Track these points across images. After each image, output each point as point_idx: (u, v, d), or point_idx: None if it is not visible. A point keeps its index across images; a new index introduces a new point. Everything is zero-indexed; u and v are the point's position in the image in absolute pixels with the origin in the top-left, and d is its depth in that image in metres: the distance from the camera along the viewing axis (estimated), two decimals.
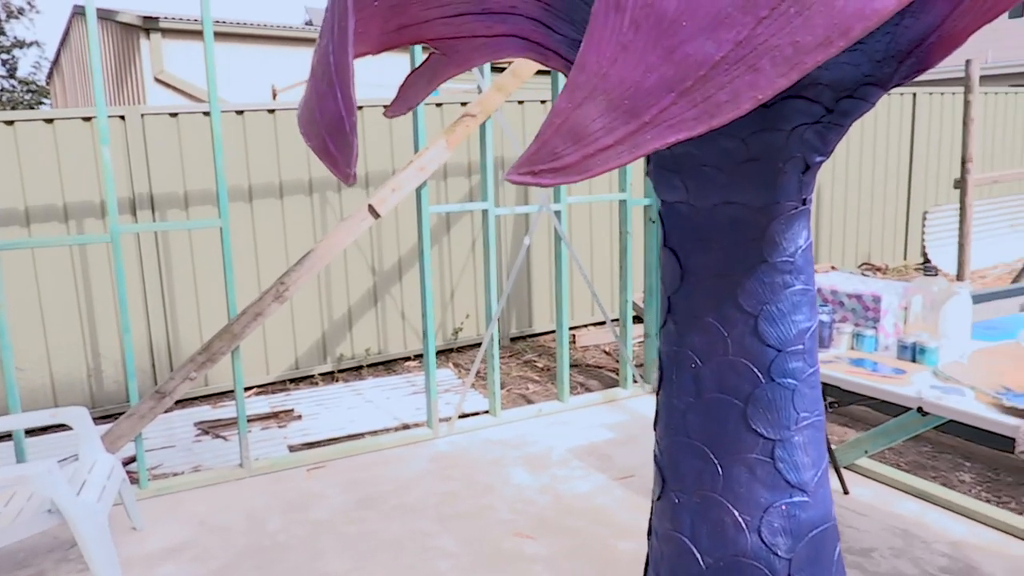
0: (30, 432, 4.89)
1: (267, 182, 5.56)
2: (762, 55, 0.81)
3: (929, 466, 4.00)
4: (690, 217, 1.45)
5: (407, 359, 6.35)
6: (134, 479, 4.02)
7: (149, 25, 10.25)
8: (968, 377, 2.67)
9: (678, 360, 1.50)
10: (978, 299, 4.08)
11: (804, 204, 1.40)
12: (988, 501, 3.59)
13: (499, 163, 6.30)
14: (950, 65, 11.35)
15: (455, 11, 1.43)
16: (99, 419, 5.02)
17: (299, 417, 5.10)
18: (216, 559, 3.29)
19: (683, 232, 1.47)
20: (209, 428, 4.93)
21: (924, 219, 9.48)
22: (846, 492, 3.60)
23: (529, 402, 5.24)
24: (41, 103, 29.04)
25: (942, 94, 9.27)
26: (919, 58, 1.21)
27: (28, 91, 29.45)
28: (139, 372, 5.29)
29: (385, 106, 5.80)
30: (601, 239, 6.98)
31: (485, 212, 4.53)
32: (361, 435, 4.76)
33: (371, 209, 4.11)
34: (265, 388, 5.76)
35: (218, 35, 10.13)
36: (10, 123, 4.80)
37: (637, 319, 6.47)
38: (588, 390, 5.43)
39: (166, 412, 4.50)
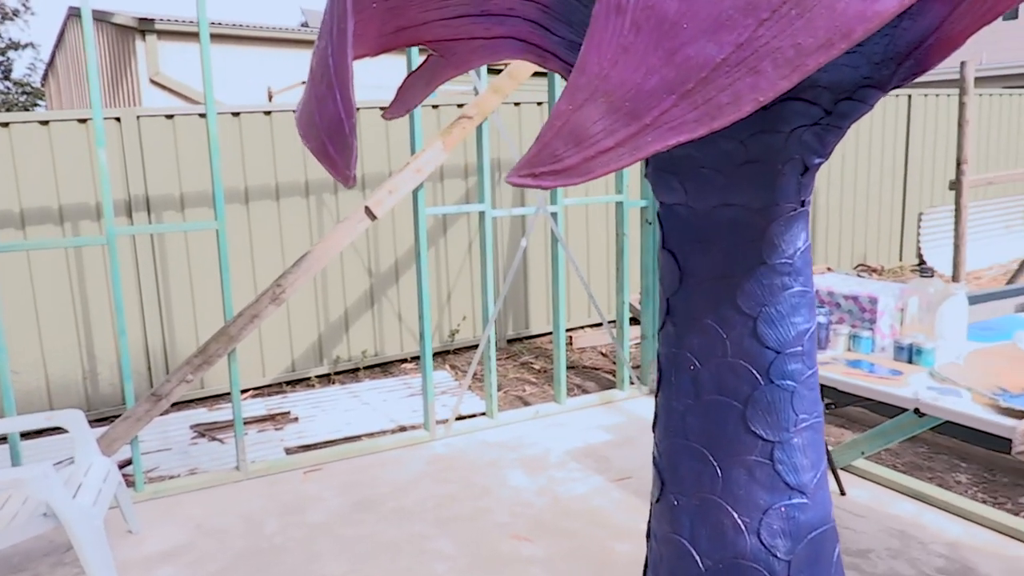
0: (25, 435, 4.87)
1: (263, 184, 5.55)
2: (763, 57, 0.81)
3: (925, 467, 4.00)
4: (689, 219, 1.45)
5: (404, 361, 6.35)
6: (130, 482, 4.01)
7: (145, 27, 10.23)
8: (964, 378, 2.68)
9: (677, 362, 1.50)
10: (974, 300, 4.08)
11: (803, 206, 1.40)
12: (984, 502, 3.60)
13: (495, 165, 6.31)
14: (945, 67, 11.39)
15: (453, 13, 1.43)
16: (95, 422, 5.00)
17: (296, 419, 5.09)
18: (213, 562, 3.28)
19: (682, 234, 1.47)
20: (205, 431, 4.92)
21: (919, 220, 9.50)
22: (843, 493, 3.61)
23: (526, 404, 5.23)
24: (36, 105, 28.96)
25: (937, 96, 9.30)
26: (917, 60, 1.22)
27: (23, 93, 29.38)
28: (135, 375, 5.27)
29: (382, 108, 5.82)
30: (598, 241, 6.98)
31: (482, 214, 4.53)
32: (358, 437, 4.76)
33: (368, 211, 4.11)
34: (261, 390, 5.75)
35: (214, 37, 10.10)
36: (5, 125, 4.79)
37: (634, 321, 6.48)
38: (585, 392, 5.43)
39: (162, 415, 4.50)
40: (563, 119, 0.89)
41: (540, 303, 6.82)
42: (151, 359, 5.37)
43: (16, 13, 28.55)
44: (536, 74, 4.71)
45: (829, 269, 8.55)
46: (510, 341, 6.77)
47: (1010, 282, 6.78)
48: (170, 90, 10.26)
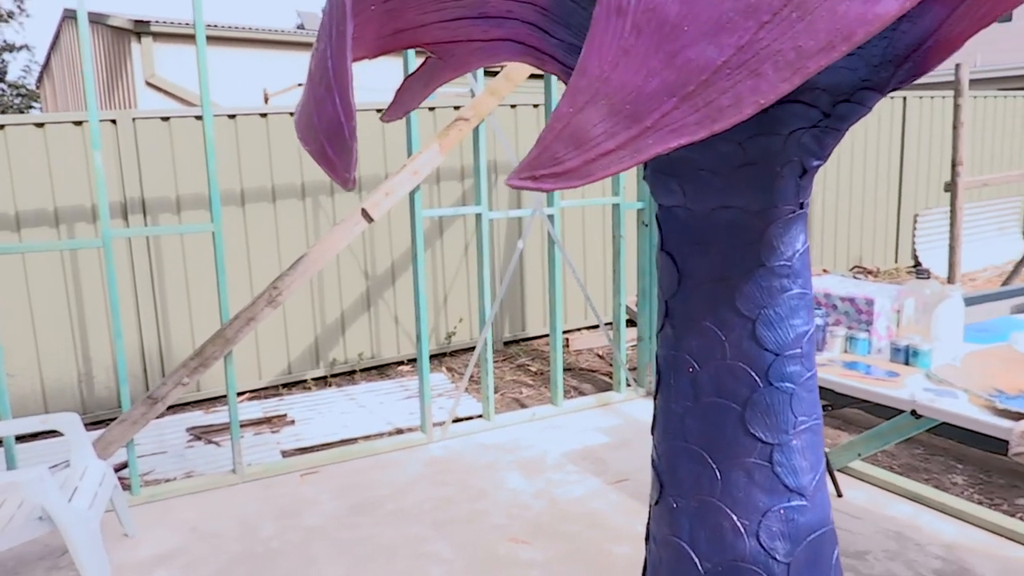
0: (20, 438, 4.85)
1: (259, 186, 5.55)
2: (764, 60, 0.81)
3: (922, 468, 4.01)
4: (687, 221, 1.45)
5: (400, 363, 6.34)
6: (126, 485, 4.00)
7: (140, 29, 10.21)
8: (961, 380, 2.68)
9: (676, 364, 1.49)
10: (969, 301, 4.09)
11: (801, 208, 1.41)
12: (980, 503, 3.60)
13: (492, 167, 6.31)
14: (940, 69, 11.42)
15: (452, 15, 1.42)
16: (90, 425, 4.98)
17: (292, 422, 5.08)
18: (208, 566, 3.27)
19: (680, 236, 1.47)
20: (201, 434, 4.91)
21: (915, 222, 9.53)
22: (839, 495, 3.61)
23: (523, 406, 5.23)
24: (31, 107, 28.90)
25: (932, 98, 9.33)
26: (916, 63, 1.22)
27: (18, 95, 29.32)
28: (131, 377, 5.26)
29: (378, 110, 5.82)
30: (594, 243, 6.99)
31: (478, 216, 4.53)
32: (354, 440, 4.75)
33: (364, 213, 4.10)
34: (258, 393, 5.74)
35: (210, 39, 10.07)
36: (0, 127, 4.77)
37: (631, 322, 6.47)
38: (582, 394, 5.43)
39: (158, 418, 4.48)
40: (564, 121, 0.89)
41: (537, 305, 6.82)
42: (147, 362, 5.36)
43: (11, 15, 28.48)
44: (532, 76, 4.71)
45: (825, 271, 8.57)
46: (507, 343, 6.77)
47: (1005, 284, 6.79)
48: (165, 92, 10.24)
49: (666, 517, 1.53)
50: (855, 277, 8.07)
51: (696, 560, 1.47)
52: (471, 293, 6.49)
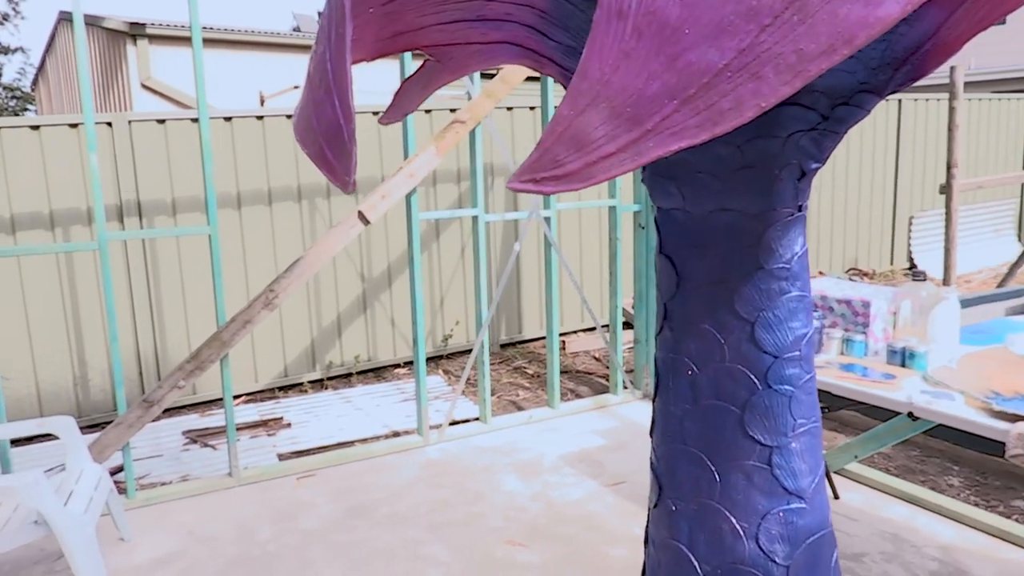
0: (15, 442, 4.83)
1: (256, 189, 5.54)
2: (765, 63, 0.81)
3: (918, 470, 4.02)
4: (686, 224, 1.45)
5: (397, 366, 6.33)
6: (122, 489, 3.98)
7: (136, 31, 10.20)
8: (957, 381, 2.69)
9: (675, 367, 1.49)
10: (964, 304, 4.10)
11: (800, 211, 1.41)
12: (977, 505, 3.61)
13: (488, 170, 6.31)
14: (935, 72, 11.46)
15: (450, 18, 1.42)
16: (86, 428, 4.97)
17: (288, 425, 5.07)
18: (205, 570, 3.26)
19: (679, 239, 1.47)
20: (197, 437, 4.89)
21: (910, 224, 9.56)
22: (836, 497, 3.62)
23: (519, 409, 5.23)
24: (26, 110, 28.83)
25: (927, 100, 9.36)
26: (914, 65, 1.22)
27: (13, 97, 29.25)
28: (126, 381, 5.24)
29: (375, 112, 5.81)
30: (591, 245, 6.99)
31: (475, 218, 4.53)
32: (351, 443, 4.74)
33: (361, 216, 4.10)
34: (254, 396, 5.73)
35: (206, 41, 10.09)
36: None
37: (627, 325, 6.48)
38: (578, 396, 5.43)
39: (154, 421, 4.46)
40: (564, 124, 0.89)
41: (533, 307, 6.82)
42: (143, 365, 5.34)
43: (6, 17, 28.42)
44: (529, 79, 4.71)
45: (821, 273, 8.58)
46: (503, 346, 6.76)
47: (1000, 285, 6.81)
48: (161, 94, 10.23)
49: (665, 520, 1.53)
50: (851, 279, 8.08)
51: (695, 563, 1.47)
52: (468, 296, 6.48)
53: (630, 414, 4.93)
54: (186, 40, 10.43)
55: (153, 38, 10.37)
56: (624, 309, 6.40)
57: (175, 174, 5.26)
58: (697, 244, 1.44)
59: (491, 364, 6.23)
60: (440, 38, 1.48)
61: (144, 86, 10.29)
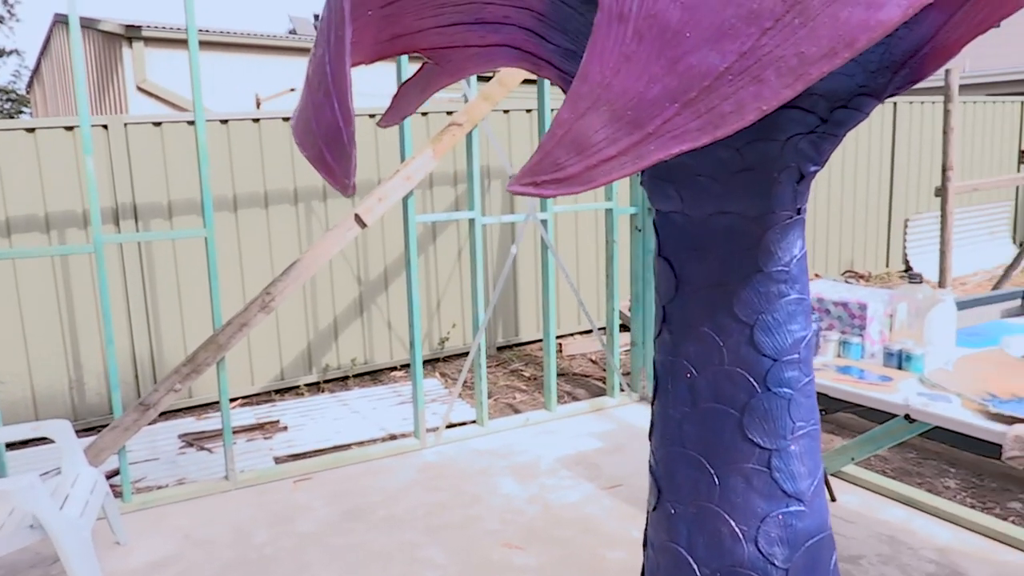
0: (11, 446, 4.81)
1: (252, 191, 5.53)
2: (767, 66, 0.81)
3: (914, 472, 4.02)
4: (684, 227, 1.45)
5: (393, 369, 6.33)
6: (117, 493, 3.97)
7: (132, 34, 10.18)
8: (954, 384, 2.69)
9: (673, 370, 1.49)
10: (960, 306, 4.12)
11: (799, 214, 1.41)
12: (973, 507, 3.62)
13: (485, 172, 6.31)
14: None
15: (449, 21, 1.42)
16: (81, 432, 4.95)
17: (285, 428, 5.06)
18: (201, 573, 3.25)
19: (678, 242, 1.47)
20: (193, 440, 4.88)
21: (906, 227, 9.58)
22: (833, 499, 3.62)
23: (516, 411, 5.22)
24: (21, 112, 28.77)
25: (922, 103, 9.39)
26: (913, 69, 1.22)
27: (8, 100, 29.20)
28: (122, 384, 5.23)
29: (372, 115, 5.81)
30: (587, 248, 6.99)
31: (472, 221, 4.53)
32: (347, 446, 4.73)
33: (358, 218, 4.09)
34: (250, 399, 5.71)
35: (202, 44, 10.06)
36: None
37: (624, 327, 6.48)
38: (575, 399, 5.43)
39: (150, 424, 4.46)
40: (565, 127, 0.89)
41: (530, 310, 6.82)
42: (138, 368, 5.33)
43: (1, 20, 28.37)
44: (526, 81, 4.71)
45: (817, 276, 8.60)
46: (500, 348, 6.76)
47: (995, 288, 6.83)
48: (157, 97, 10.21)
49: (664, 523, 1.53)
50: (847, 282, 8.10)
51: (694, 566, 1.47)
52: (464, 298, 6.48)
53: (627, 417, 4.93)
54: (182, 43, 10.41)
55: (149, 40, 10.35)
56: (621, 312, 6.40)
57: (171, 177, 5.25)
58: (696, 247, 1.44)
59: (488, 367, 6.23)
60: (438, 41, 1.48)
61: (140, 89, 10.27)
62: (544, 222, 4.76)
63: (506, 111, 6.39)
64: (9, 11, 28.65)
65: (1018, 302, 4.71)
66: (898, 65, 1.23)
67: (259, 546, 3.46)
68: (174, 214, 5.30)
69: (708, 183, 1.38)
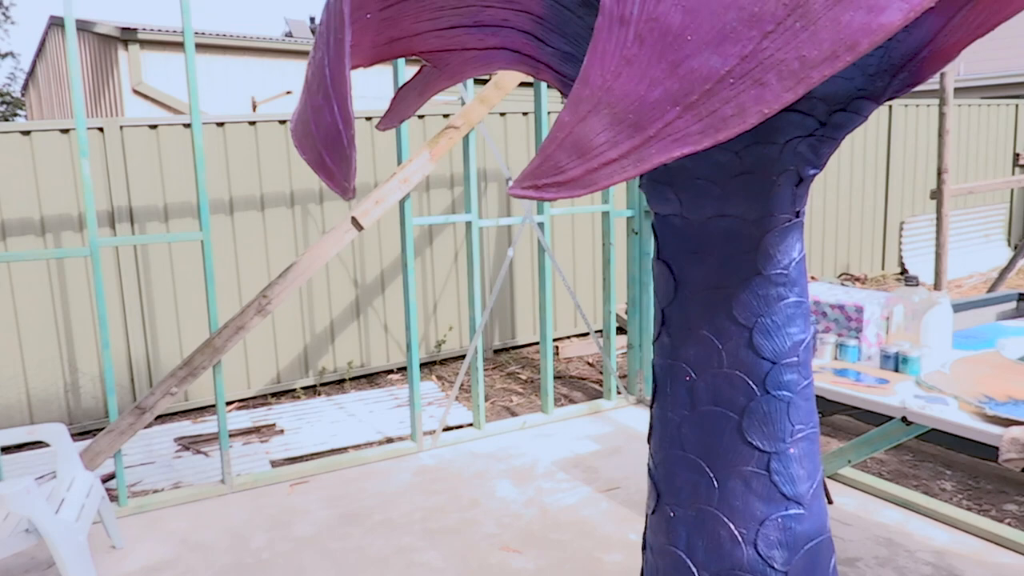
0: (6, 449, 4.80)
1: (248, 194, 5.52)
2: (768, 69, 0.81)
3: (911, 475, 4.03)
4: (683, 230, 1.45)
5: (390, 372, 6.32)
6: (113, 496, 3.95)
7: (127, 36, 10.16)
8: (951, 386, 2.70)
9: (672, 372, 1.49)
10: (956, 308, 4.13)
11: (797, 216, 1.41)
12: (969, 509, 3.62)
13: (482, 175, 6.31)
14: None
15: (447, 24, 1.42)
16: (77, 436, 4.94)
17: (281, 432, 5.05)
18: None
19: (676, 245, 1.47)
20: (190, 444, 4.87)
21: (901, 229, 9.60)
22: (830, 501, 3.62)
23: (513, 414, 5.22)
24: (16, 115, 28.70)
25: (917, 106, 9.42)
26: (911, 72, 1.23)
27: (2, 103, 29.11)
28: (118, 387, 5.21)
29: (368, 118, 5.81)
30: (584, 250, 7.00)
31: (468, 224, 4.53)
32: (344, 449, 4.72)
33: (354, 221, 4.09)
34: (246, 402, 5.70)
35: (198, 46, 10.05)
36: None
37: (620, 330, 6.49)
38: (572, 402, 5.42)
39: (146, 428, 4.44)
40: (566, 130, 0.89)
41: (527, 313, 6.82)
42: (134, 372, 5.31)
43: None
44: (522, 84, 4.72)
45: (813, 278, 8.61)
46: (496, 351, 6.76)
47: (990, 290, 6.85)
48: (152, 100, 10.20)
49: (663, 526, 1.53)
50: (843, 284, 8.12)
51: (694, 569, 1.47)
52: (461, 301, 6.48)
53: (624, 419, 4.93)
54: (177, 45, 10.40)
55: (144, 43, 10.33)
56: (617, 314, 6.41)
57: (167, 180, 5.24)
58: (695, 250, 1.44)
59: (484, 370, 6.22)
60: (437, 44, 1.48)
61: (135, 91, 10.25)
62: (541, 225, 4.76)
63: (503, 114, 6.39)
64: (4, 13, 28.59)
65: (1013, 305, 4.73)
66: (897, 68, 1.23)
67: (256, 550, 3.45)
68: (170, 217, 5.29)
69: (707, 186, 1.38)
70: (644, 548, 1.66)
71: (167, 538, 3.58)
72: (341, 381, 6.07)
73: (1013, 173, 10.56)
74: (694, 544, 1.47)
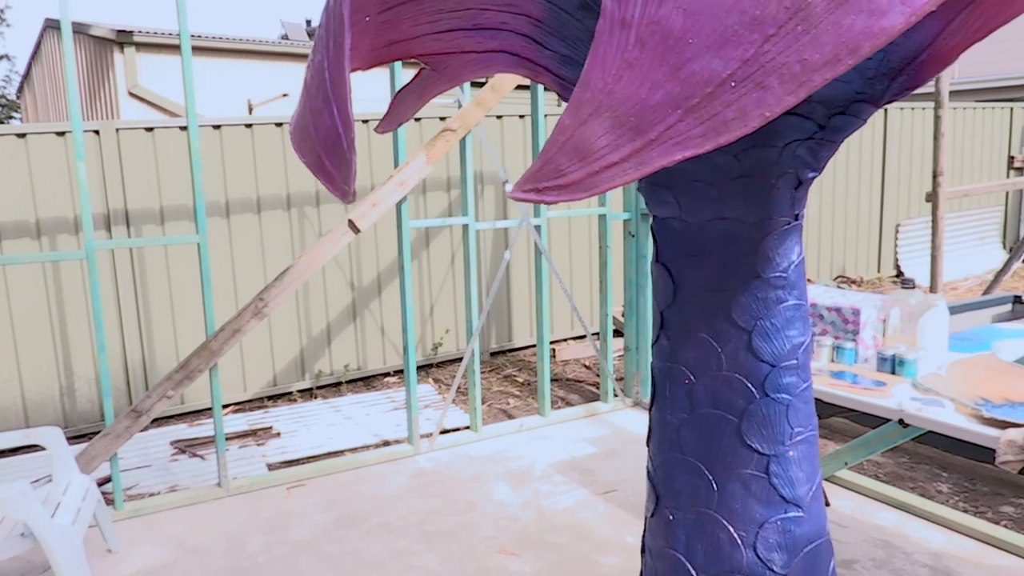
0: (1, 453, 4.78)
1: (244, 197, 5.51)
2: (770, 73, 0.81)
3: (907, 477, 4.03)
4: (682, 232, 1.45)
5: (387, 375, 6.31)
6: (109, 500, 3.94)
7: (123, 39, 10.15)
8: (947, 389, 2.70)
9: (671, 375, 1.49)
10: (952, 311, 4.14)
11: (796, 219, 1.41)
12: (966, 511, 3.63)
13: (478, 178, 6.31)
14: None
15: (446, 27, 1.42)
16: (73, 439, 4.92)
17: (278, 435, 5.04)
18: None
19: (675, 247, 1.47)
20: (186, 447, 4.85)
21: (897, 232, 9.63)
22: (827, 504, 3.62)
23: (510, 417, 5.22)
24: (11, 117, 28.63)
25: (912, 109, 9.45)
26: (910, 76, 1.23)
27: None
28: (114, 391, 5.20)
29: (364, 121, 5.80)
30: (581, 253, 7.00)
31: (465, 227, 4.53)
32: (341, 452, 4.71)
33: (351, 224, 4.09)
34: (243, 405, 5.69)
35: (194, 49, 10.02)
36: None
37: (617, 333, 6.49)
38: (569, 404, 5.42)
39: (142, 431, 4.42)
40: (567, 134, 0.89)
41: (523, 316, 6.82)
42: (130, 375, 5.30)
43: None
44: (519, 87, 4.73)
45: (810, 281, 8.63)
46: (493, 354, 6.75)
47: (986, 293, 6.87)
48: (148, 102, 10.18)
49: (662, 529, 1.53)
50: (839, 287, 8.13)
51: (693, 572, 1.46)
52: (458, 304, 6.47)
53: (620, 422, 4.93)
54: (173, 48, 10.39)
55: (140, 46, 10.32)
56: (614, 317, 6.41)
57: (163, 182, 5.24)
58: (694, 253, 1.44)
59: (481, 372, 6.22)
60: (435, 47, 1.48)
61: (131, 94, 10.23)
62: (538, 227, 4.76)
63: (499, 117, 6.39)
64: (0, 16, 28.52)
65: (1008, 307, 4.75)
66: (896, 72, 1.24)
67: (252, 554, 3.44)
68: (166, 220, 5.28)
69: (706, 189, 1.38)
70: (643, 551, 1.66)
71: (163, 542, 3.57)
72: (338, 384, 6.06)
73: (1008, 176, 10.60)
74: (693, 547, 1.47)
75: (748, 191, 1.36)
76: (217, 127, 5.37)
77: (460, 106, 4.46)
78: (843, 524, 3.45)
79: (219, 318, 5.12)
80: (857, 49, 0.78)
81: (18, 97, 21.03)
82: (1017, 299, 4.75)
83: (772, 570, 1.41)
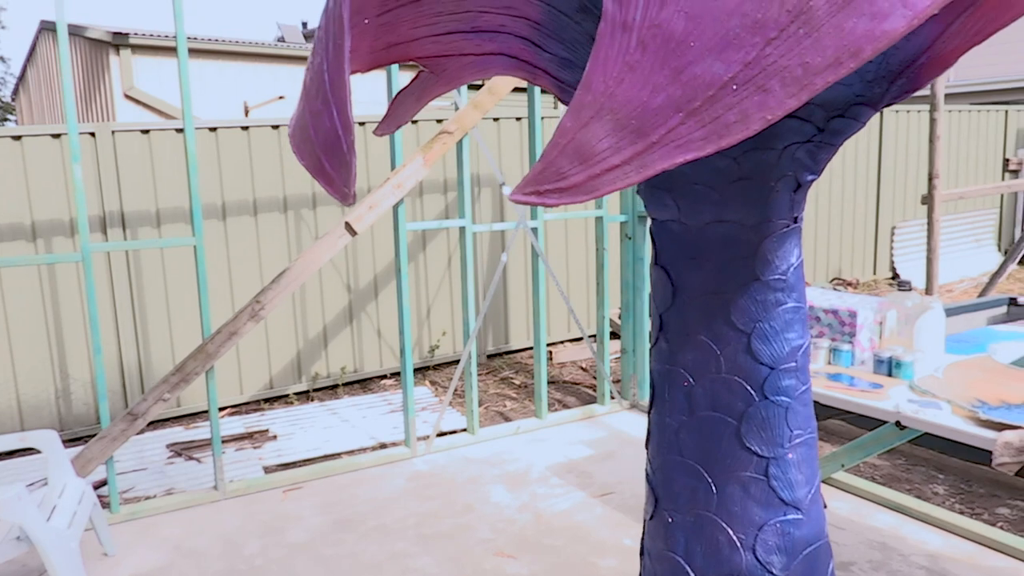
0: None
1: (241, 199, 5.51)
2: (771, 76, 0.81)
3: (903, 479, 4.04)
4: (681, 235, 1.45)
5: (383, 377, 6.30)
6: (105, 503, 3.92)
7: (119, 41, 10.13)
8: (944, 391, 2.71)
9: (670, 378, 1.49)
10: (947, 313, 4.15)
11: (795, 222, 1.41)
12: (962, 513, 3.63)
13: (475, 180, 6.31)
14: None
15: (444, 29, 1.42)
16: (68, 442, 4.90)
17: (274, 437, 5.03)
18: None
19: (674, 250, 1.47)
20: (182, 450, 4.84)
21: (892, 234, 9.65)
22: (824, 506, 3.62)
23: (507, 419, 5.21)
24: (6, 120, 28.56)
25: (908, 112, 9.48)
26: (909, 78, 1.23)
27: None
28: (110, 393, 5.18)
29: (360, 123, 5.80)
30: (577, 255, 7.00)
31: (462, 229, 4.53)
32: (338, 455, 4.70)
33: (348, 227, 4.08)
34: (239, 408, 5.68)
35: (190, 51, 10.04)
36: None
37: (614, 335, 6.49)
38: (566, 406, 5.42)
39: (138, 434, 4.42)
40: (568, 136, 0.88)
41: (520, 318, 6.82)
42: (126, 378, 5.28)
43: None
44: (516, 89, 4.73)
45: (807, 283, 8.65)
46: (490, 356, 6.75)
47: (981, 295, 6.89)
48: (144, 105, 10.16)
49: (661, 532, 1.53)
50: (835, 289, 8.15)
51: (692, 575, 1.46)
52: (455, 306, 6.47)
53: (617, 424, 4.93)
54: (169, 50, 10.37)
55: (136, 48, 10.30)
56: (611, 319, 6.42)
57: (159, 185, 5.23)
58: (693, 255, 1.44)
59: (478, 375, 6.22)
60: (434, 49, 1.48)
61: (127, 96, 10.21)
62: (534, 230, 4.76)
63: (496, 119, 6.39)
64: None
65: (1004, 309, 4.76)
66: (895, 75, 1.24)
67: (249, 557, 3.43)
68: (162, 222, 5.27)
69: (705, 192, 1.39)
70: (642, 553, 1.65)
71: (159, 545, 3.56)
72: (334, 386, 6.05)
73: (1003, 178, 10.63)
74: (692, 550, 1.47)
75: (747, 194, 1.36)
76: (213, 129, 5.37)
77: (457, 108, 4.46)
78: (840, 526, 3.45)
79: (215, 321, 5.11)
80: (859, 52, 0.78)
81: (13, 99, 20.99)
82: (1012, 301, 4.77)
83: (771, 572, 1.41)
